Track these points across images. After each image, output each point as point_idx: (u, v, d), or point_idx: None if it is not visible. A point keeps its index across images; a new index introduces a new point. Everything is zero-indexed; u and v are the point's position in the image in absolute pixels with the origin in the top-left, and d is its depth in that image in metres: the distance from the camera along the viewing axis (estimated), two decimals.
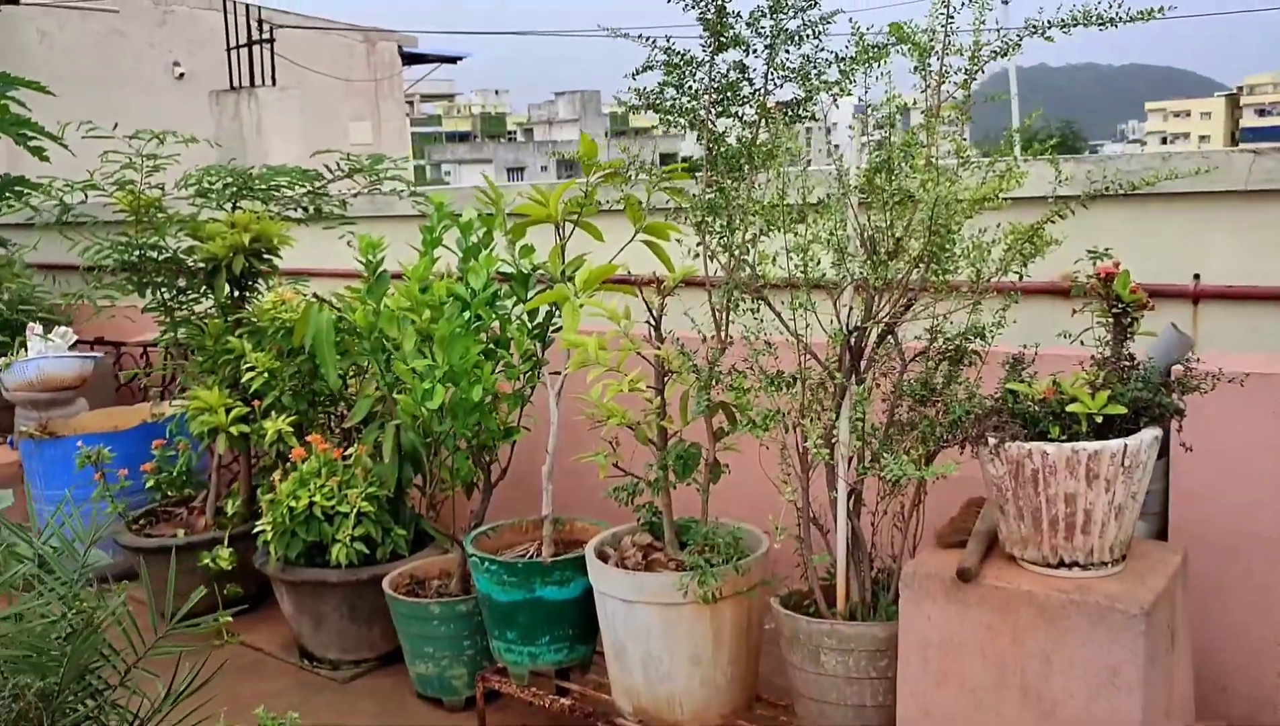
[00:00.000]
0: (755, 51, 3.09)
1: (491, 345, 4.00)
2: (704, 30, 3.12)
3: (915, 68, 2.82)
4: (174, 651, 2.24)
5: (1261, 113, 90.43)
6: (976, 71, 2.79)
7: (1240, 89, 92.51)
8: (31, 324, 5.57)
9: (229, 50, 8.12)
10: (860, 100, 2.88)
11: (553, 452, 3.58)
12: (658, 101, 3.23)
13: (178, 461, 4.77)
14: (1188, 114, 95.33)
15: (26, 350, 5.53)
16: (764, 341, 2.93)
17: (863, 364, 2.87)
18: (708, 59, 3.13)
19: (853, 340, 2.82)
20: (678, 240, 3.35)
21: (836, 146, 2.93)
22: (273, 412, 4.34)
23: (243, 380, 4.35)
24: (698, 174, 3.22)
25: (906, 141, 2.69)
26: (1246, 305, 3.63)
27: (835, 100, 2.95)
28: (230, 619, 4.53)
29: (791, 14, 3.00)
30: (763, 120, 3.06)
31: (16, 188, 5.61)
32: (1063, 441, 2.42)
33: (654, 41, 3.10)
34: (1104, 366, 2.50)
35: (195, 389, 4.53)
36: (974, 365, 2.91)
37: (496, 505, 4.02)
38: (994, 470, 2.51)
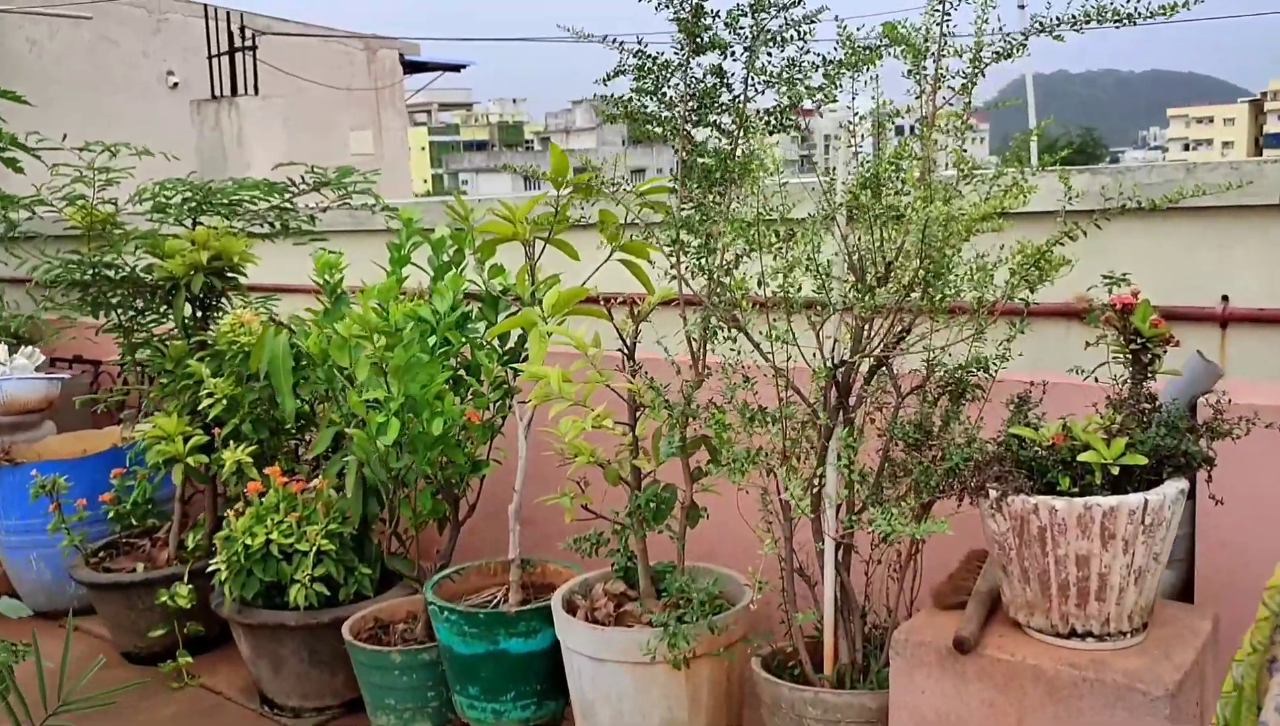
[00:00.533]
0: (734, 54, 2.80)
1: (462, 371, 3.73)
2: (679, 31, 2.84)
3: (909, 71, 2.53)
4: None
5: None
6: (977, 75, 2.49)
7: (1264, 94, 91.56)
8: None
9: (210, 58, 7.87)
10: (849, 107, 2.59)
11: (520, 490, 3.29)
12: (635, 110, 2.96)
13: (134, 492, 4.50)
14: (1211, 120, 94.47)
15: None
16: (741, 374, 2.64)
17: (851, 401, 2.58)
18: (683, 63, 2.85)
19: (839, 375, 2.53)
20: (650, 263, 3.07)
21: (827, 156, 2.65)
22: (232, 442, 4.07)
23: (200, 407, 4.09)
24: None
25: (896, 153, 2.39)
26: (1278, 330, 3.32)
27: (820, 108, 2.66)
28: (190, 660, 4.32)
29: (773, 13, 2.71)
30: (741, 129, 2.78)
31: None
32: (1074, 495, 2.11)
33: (622, 44, 2.82)
34: (1121, 408, 2.20)
35: (155, 416, 4.27)
36: (975, 400, 2.61)
37: (470, 542, 3.74)
38: (996, 526, 2.21)
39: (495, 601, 3.33)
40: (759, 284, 2.61)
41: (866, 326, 2.50)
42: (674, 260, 2.85)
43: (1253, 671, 0.74)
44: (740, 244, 2.64)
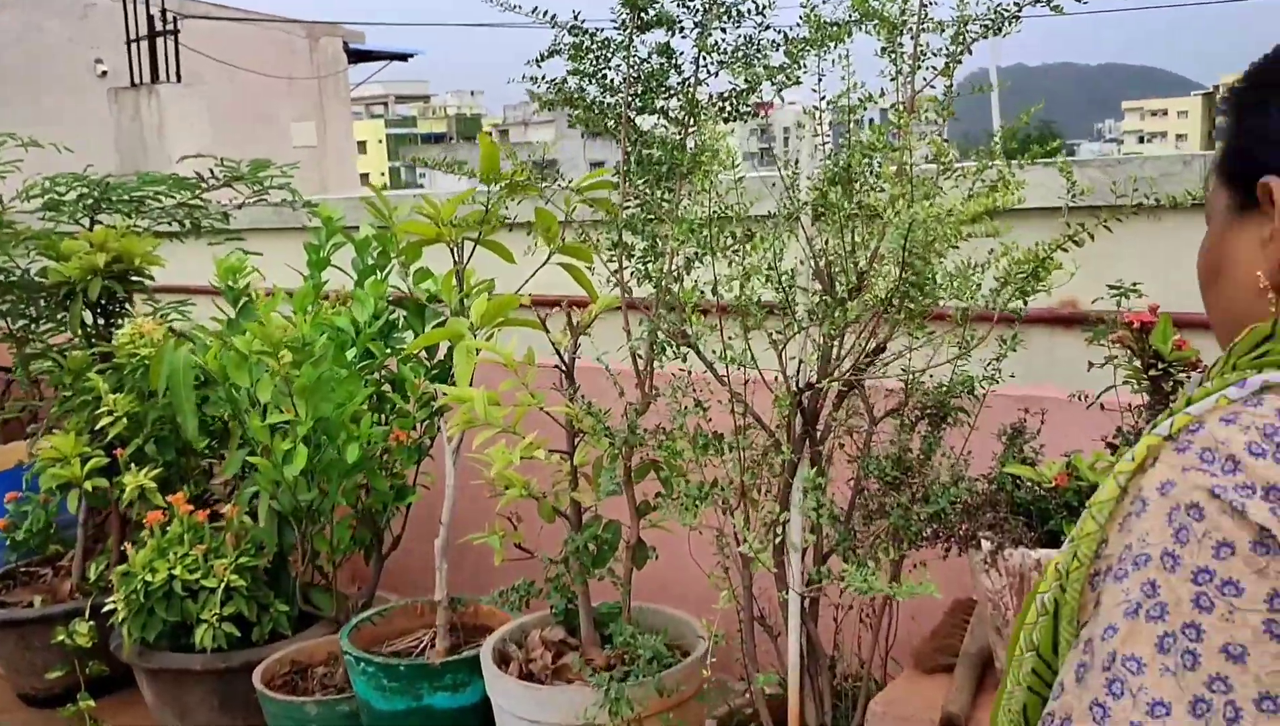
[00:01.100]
0: (683, 31, 2.45)
1: (387, 386, 3.36)
2: (622, 5, 2.49)
3: (883, 49, 2.19)
4: None
5: None
6: (961, 53, 2.16)
7: (1217, 88, 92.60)
8: None
9: (128, 43, 7.37)
10: (815, 90, 2.25)
11: (448, 523, 2.93)
12: (571, 95, 2.60)
13: (29, 518, 4.09)
14: (1165, 113, 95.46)
15: None
16: (693, 398, 2.29)
17: (818, 429, 2.24)
18: (626, 41, 2.50)
19: (804, 400, 2.19)
20: (590, 268, 2.72)
21: (787, 150, 2.31)
22: (134, 464, 3.67)
23: (98, 425, 3.69)
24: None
25: (871, 144, 2.06)
26: None
27: (780, 92, 2.32)
28: (93, 703, 3.92)
29: None
30: (692, 116, 2.43)
31: None
32: None
33: (554, 18, 2.46)
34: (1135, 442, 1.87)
35: (52, 435, 3.86)
36: (959, 425, 2.28)
37: (400, 573, 3.39)
38: (989, 583, 1.87)
39: (420, 648, 2.97)
40: (713, 292, 2.27)
41: (836, 344, 2.16)
42: (615, 265, 2.50)
43: (1076, 587, 0.77)
44: (691, 247, 2.30)
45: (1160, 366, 1.86)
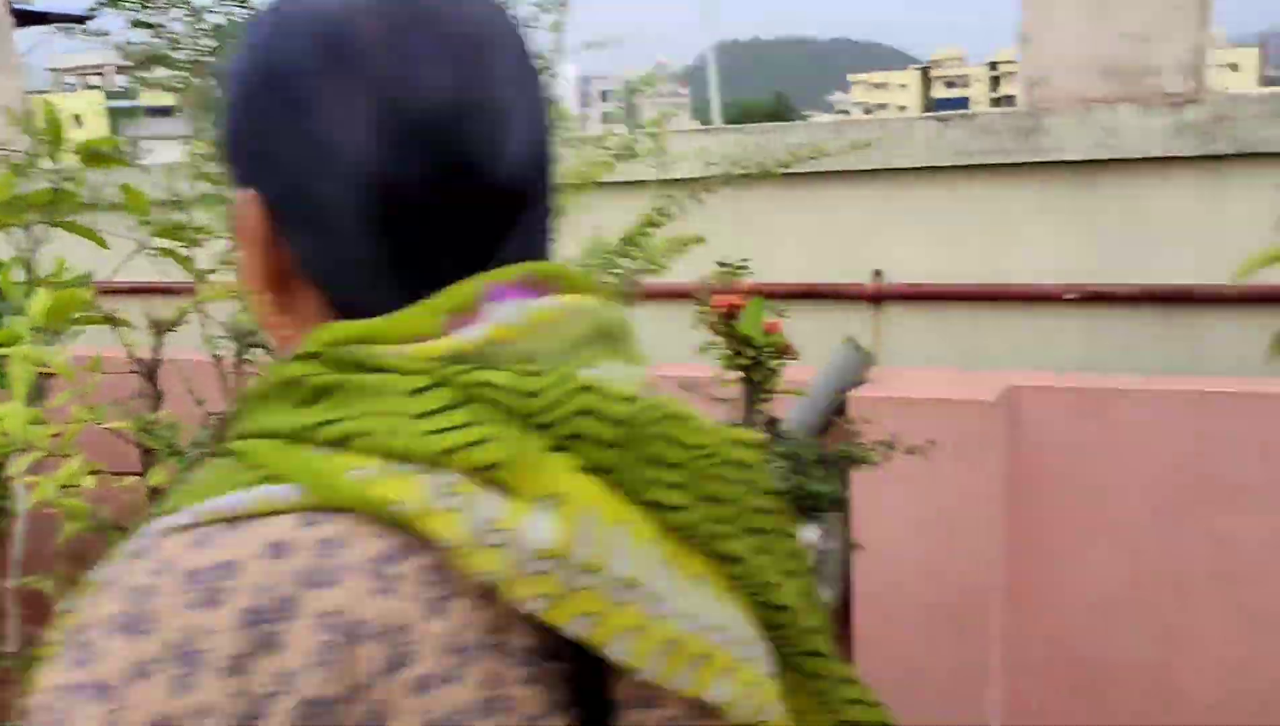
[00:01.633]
0: None
1: None
2: None
3: None
4: None
5: (950, 84, 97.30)
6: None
7: (932, 62, 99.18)
8: None
9: None
10: None
11: (19, 561, 2.47)
12: (130, 51, 2.20)
13: None
14: (886, 85, 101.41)
15: None
16: None
17: None
18: None
19: None
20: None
21: None
22: None
23: None
24: None
25: None
26: (936, 307, 2.99)
27: None
28: None
29: None
30: None
31: None
32: None
33: None
34: None
35: None
36: None
37: None
38: None
39: None
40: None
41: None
42: (186, 250, 2.12)
43: None
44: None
45: (750, 354, 1.68)
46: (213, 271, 2.23)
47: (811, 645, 0.65)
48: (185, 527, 0.53)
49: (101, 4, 2.16)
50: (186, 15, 2.16)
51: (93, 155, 2.55)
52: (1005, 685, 2.63)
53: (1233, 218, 2.66)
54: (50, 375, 2.25)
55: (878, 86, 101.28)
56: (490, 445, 0.52)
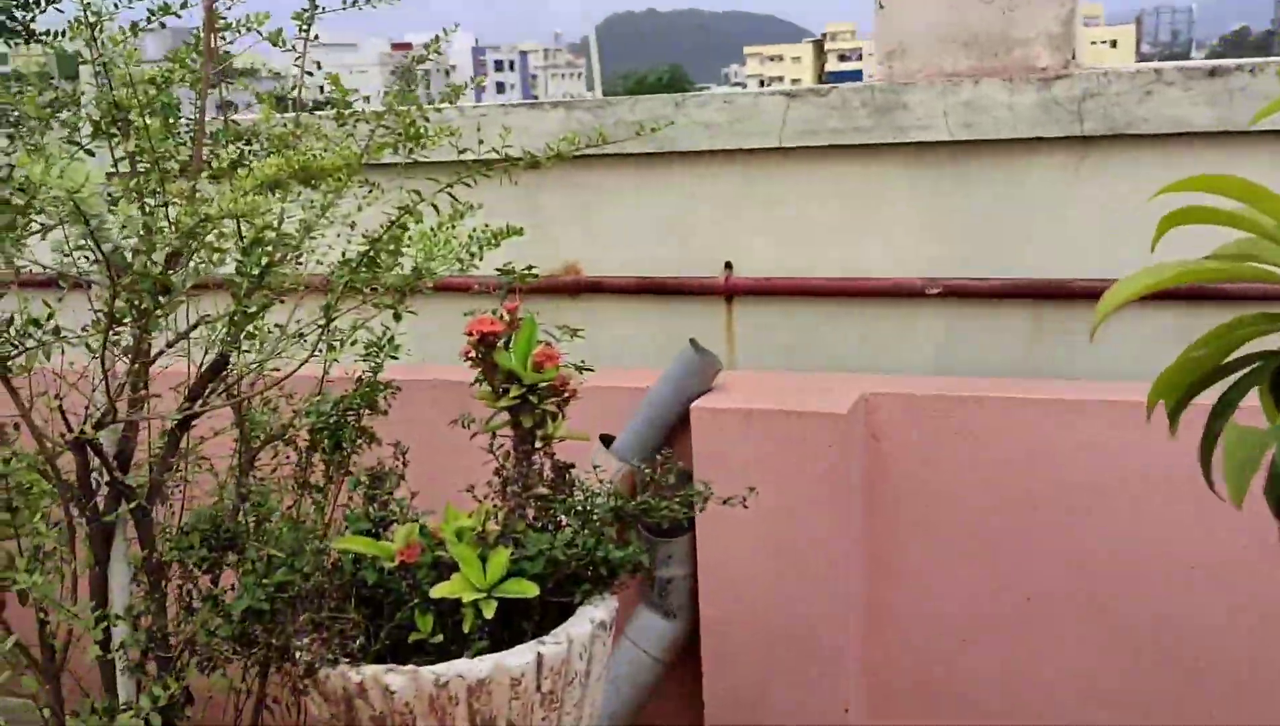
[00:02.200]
0: None
1: None
2: None
3: None
4: None
5: (843, 58, 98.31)
6: None
7: (825, 35, 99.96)
8: None
9: None
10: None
11: None
12: None
13: None
14: (781, 58, 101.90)
15: None
16: None
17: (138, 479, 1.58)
18: None
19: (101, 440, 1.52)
20: None
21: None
22: None
23: None
24: None
25: (173, 57, 1.41)
26: (789, 303, 2.71)
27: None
28: None
29: None
30: None
31: None
32: (430, 657, 1.26)
33: None
34: (507, 496, 1.36)
35: None
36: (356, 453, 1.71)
37: None
38: (316, 711, 1.31)
39: None
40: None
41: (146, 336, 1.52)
42: None
43: None
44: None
45: (521, 394, 1.35)
46: None
47: None
48: None
49: None
50: None
51: None
52: (864, 708, 2.38)
53: (1109, 203, 2.42)
54: None
55: (772, 59, 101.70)
56: None
